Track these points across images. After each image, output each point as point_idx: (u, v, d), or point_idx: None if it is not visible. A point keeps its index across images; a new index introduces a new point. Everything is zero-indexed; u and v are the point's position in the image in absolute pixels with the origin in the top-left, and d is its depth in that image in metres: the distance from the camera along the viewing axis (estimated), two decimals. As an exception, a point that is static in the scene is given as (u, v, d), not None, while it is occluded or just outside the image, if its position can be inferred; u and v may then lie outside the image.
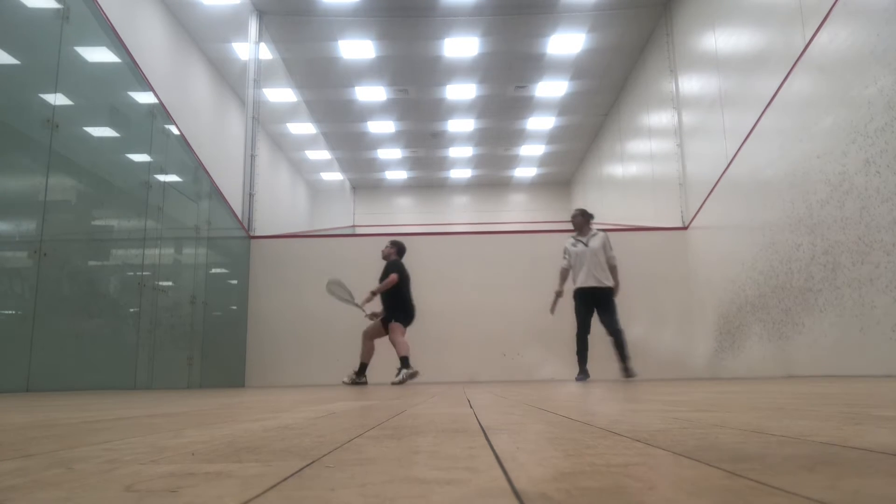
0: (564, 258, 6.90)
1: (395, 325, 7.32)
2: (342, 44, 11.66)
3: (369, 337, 7.31)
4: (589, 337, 6.78)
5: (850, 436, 0.92)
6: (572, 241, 6.92)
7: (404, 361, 7.05)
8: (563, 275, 6.89)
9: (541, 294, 9.06)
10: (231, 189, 9.42)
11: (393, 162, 18.37)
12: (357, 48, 11.81)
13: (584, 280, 6.69)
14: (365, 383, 7.10)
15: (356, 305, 7.36)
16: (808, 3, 6.01)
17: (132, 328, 6.44)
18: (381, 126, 15.62)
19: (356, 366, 7.17)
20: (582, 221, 6.93)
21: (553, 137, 16.57)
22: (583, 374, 6.72)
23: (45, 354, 5.00)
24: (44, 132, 5.07)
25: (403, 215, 19.78)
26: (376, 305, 7.43)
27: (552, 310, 6.89)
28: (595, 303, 6.69)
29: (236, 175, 10.17)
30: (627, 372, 6.57)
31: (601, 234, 6.88)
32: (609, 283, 6.69)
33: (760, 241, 6.86)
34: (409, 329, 8.08)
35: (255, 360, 8.94)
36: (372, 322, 7.37)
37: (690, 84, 9.56)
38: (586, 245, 6.77)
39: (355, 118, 15.12)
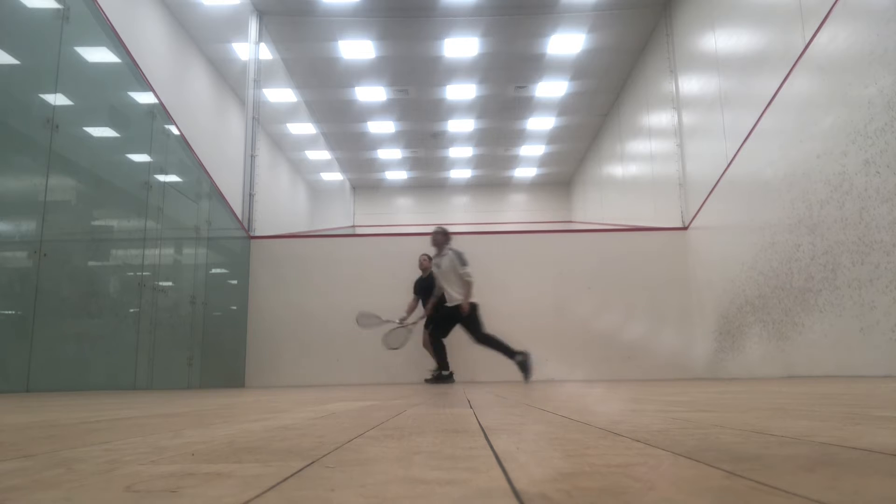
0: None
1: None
2: (342, 44, 11.66)
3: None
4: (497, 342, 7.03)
5: (849, 436, 0.92)
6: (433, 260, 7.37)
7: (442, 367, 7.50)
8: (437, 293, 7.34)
9: (541, 294, 9.07)
10: (231, 189, 9.41)
11: (393, 162, 18.37)
12: (357, 48, 11.81)
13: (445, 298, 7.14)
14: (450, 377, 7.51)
15: (394, 321, 7.73)
16: (808, 4, 6.01)
17: (132, 328, 6.44)
18: (381, 126, 15.62)
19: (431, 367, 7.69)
20: (442, 240, 7.26)
21: (553, 137, 16.57)
22: (441, 376, 7.13)
23: (45, 354, 5.00)
24: (44, 132, 5.06)
25: (403, 215, 19.78)
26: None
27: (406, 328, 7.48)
28: (457, 320, 7.01)
29: (236, 175, 10.17)
30: (521, 363, 6.88)
31: (450, 253, 7.18)
32: (456, 301, 6.97)
33: (760, 242, 6.86)
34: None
35: (255, 360, 8.94)
36: (424, 331, 7.83)
37: (690, 84, 9.56)
38: (439, 266, 7.19)
39: (355, 118, 15.12)
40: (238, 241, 9.27)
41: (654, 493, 0.53)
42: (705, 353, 8.51)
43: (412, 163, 18.47)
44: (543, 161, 18.43)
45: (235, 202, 9.42)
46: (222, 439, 1.07)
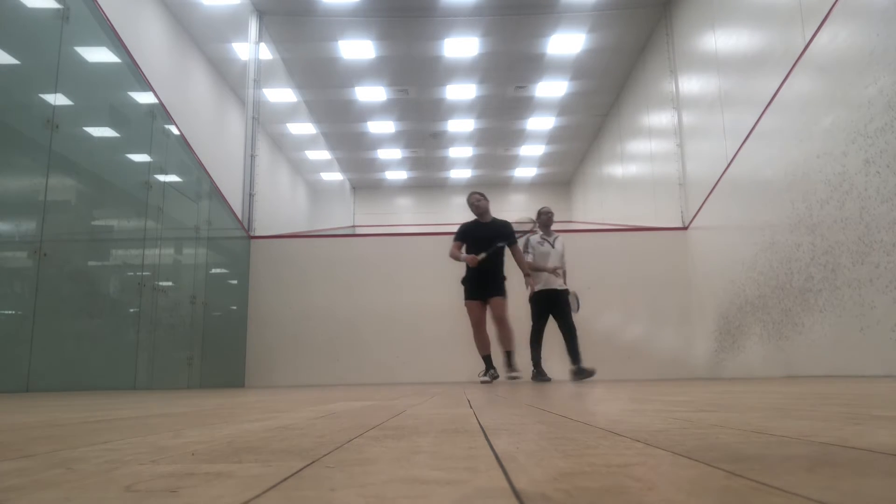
0: (528, 252, 6.69)
1: (504, 302, 6.19)
2: (342, 44, 11.66)
3: (482, 328, 6.31)
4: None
5: (849, 436, 0.92)
6: (539, 238, 6.79)
7: (510, 357, 6.17)
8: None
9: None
10: (231, 189, 9.41)
11: (393, 162, 18.37)
12: (357, 48, 11.81)
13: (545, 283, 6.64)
14: (496, 377, 6.26)
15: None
16: (808, 3, 6.01)
17: (132, 328, 6.44)
18: (381, 126, 15.62)
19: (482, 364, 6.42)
20: (548, 220, 6.90)
21: (553, 137, 16.57)
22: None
23: (45, 354, 5.00)
24: (44, 132, 5.07)
25: (403, 215, 19.79)
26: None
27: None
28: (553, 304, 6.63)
29: (236, 175, 10.17)
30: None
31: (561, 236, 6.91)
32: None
33: (760, 242, 6.86)
34: (408, 329, 8.02)
35: (255, 360, 8.94)
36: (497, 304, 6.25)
37: (690, 84, 9.56)
38: (552, 245, 6.77)
39: (355, 118, 15.12)
40: (238, 241, 9.27)
41: (654, 494, 0.53)
42: (705, 352, 8.51)
43: (412, 163, 18.47)
44: (543, 161, 18.43)
45: (235, 202, 9.42)
46: (222, 439, 1.07)
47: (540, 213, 6.94)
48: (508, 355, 6.23)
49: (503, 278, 6.37)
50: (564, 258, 6.81)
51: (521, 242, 6.64)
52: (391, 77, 13.03)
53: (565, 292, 6.67)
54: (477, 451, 0.83)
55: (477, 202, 6.51)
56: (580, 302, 6.85)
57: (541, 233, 6.84)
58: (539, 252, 6.70)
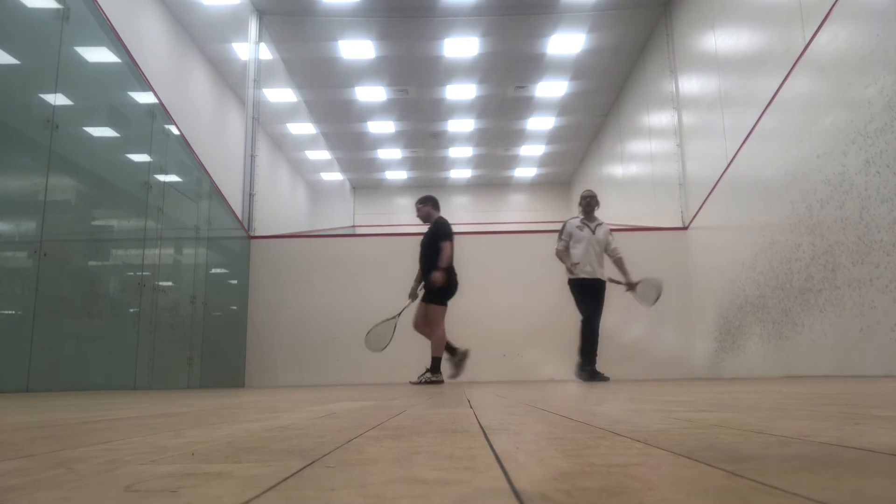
0: (562, 239, 6.51)
1: (434, 308, 6.28)
2: (342, 44, 11.66)
3: (427, 327, 6.37)
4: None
5: (849, 436, 0.92)
6: (578, 223, 6.52)
7: (435, 364, 6.23)
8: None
9: (541, 294, 9.07)
10: (231, 189, 9.41)
11: (393, 162, 18.37)
12: (357, 48, 11.81)
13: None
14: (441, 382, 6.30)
15: (396, 317, 6.61)
16: (808, 3, 6.01)
17: (132, 328, 6.44)
18: (381, 126, 15.63)
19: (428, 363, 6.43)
20: (588, 205, 6.58)
21: (553, 137, 16.57)
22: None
23: (45, 354, 5.00)
24: (44, 132, 5.06)
25: (403, 215, 19.77)
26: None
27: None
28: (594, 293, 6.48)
29: (236, 175, 10.17)
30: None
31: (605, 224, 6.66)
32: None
33: (760, 242, 6.86)
34: (408, 328, 7.98)
35: (255, 360, 8.94)
36: (417, 308, 6.35)
37: (690, 84, 9.56)
38: (593, 232, 6.50)
39: (355, 118, 15.12)
40: (238, 241, 9.27)
41: (654, 493, 0.53)
42: (705, 352, 8.51)
43: (412, 163, 18.47)
44: (543, 161, 18.43)
45: (235, 202, 9.42)
46: (222, 439, 1.07)
47: (581, 198, 6.64)
48: (433, 361, 6.32)
49: (432, 284, 6.33)
50: (612, 247, 6.54)
51: (559, 227, 6.59)
52: (391, 77, 13.03)
53: (604, 284, 6.52)
54: (477, 451, 0.83)
55: (418, 212, 6.73)
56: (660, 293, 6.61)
57: (581, 217, 6.54)
58: (575, 237, 6.41)
